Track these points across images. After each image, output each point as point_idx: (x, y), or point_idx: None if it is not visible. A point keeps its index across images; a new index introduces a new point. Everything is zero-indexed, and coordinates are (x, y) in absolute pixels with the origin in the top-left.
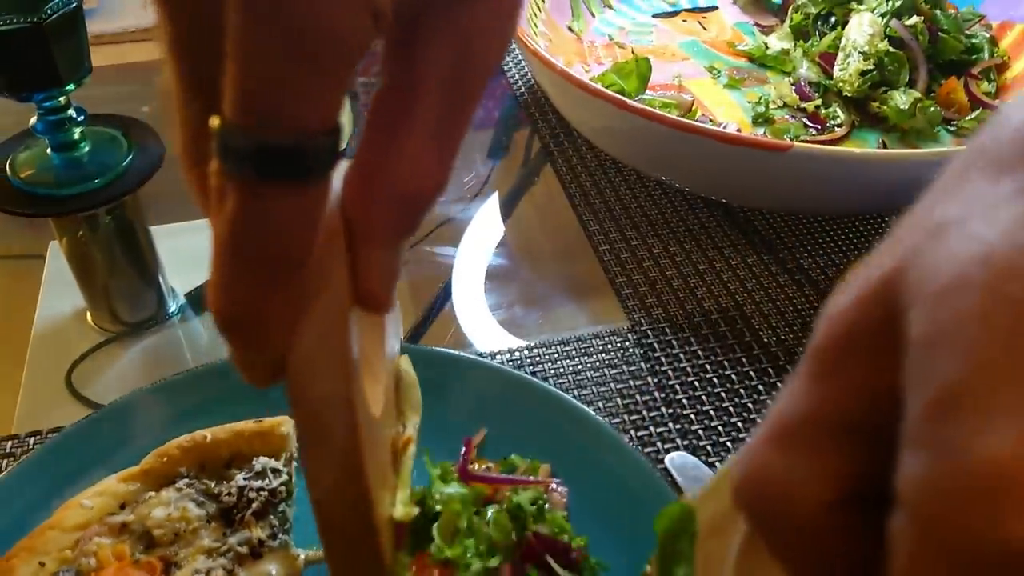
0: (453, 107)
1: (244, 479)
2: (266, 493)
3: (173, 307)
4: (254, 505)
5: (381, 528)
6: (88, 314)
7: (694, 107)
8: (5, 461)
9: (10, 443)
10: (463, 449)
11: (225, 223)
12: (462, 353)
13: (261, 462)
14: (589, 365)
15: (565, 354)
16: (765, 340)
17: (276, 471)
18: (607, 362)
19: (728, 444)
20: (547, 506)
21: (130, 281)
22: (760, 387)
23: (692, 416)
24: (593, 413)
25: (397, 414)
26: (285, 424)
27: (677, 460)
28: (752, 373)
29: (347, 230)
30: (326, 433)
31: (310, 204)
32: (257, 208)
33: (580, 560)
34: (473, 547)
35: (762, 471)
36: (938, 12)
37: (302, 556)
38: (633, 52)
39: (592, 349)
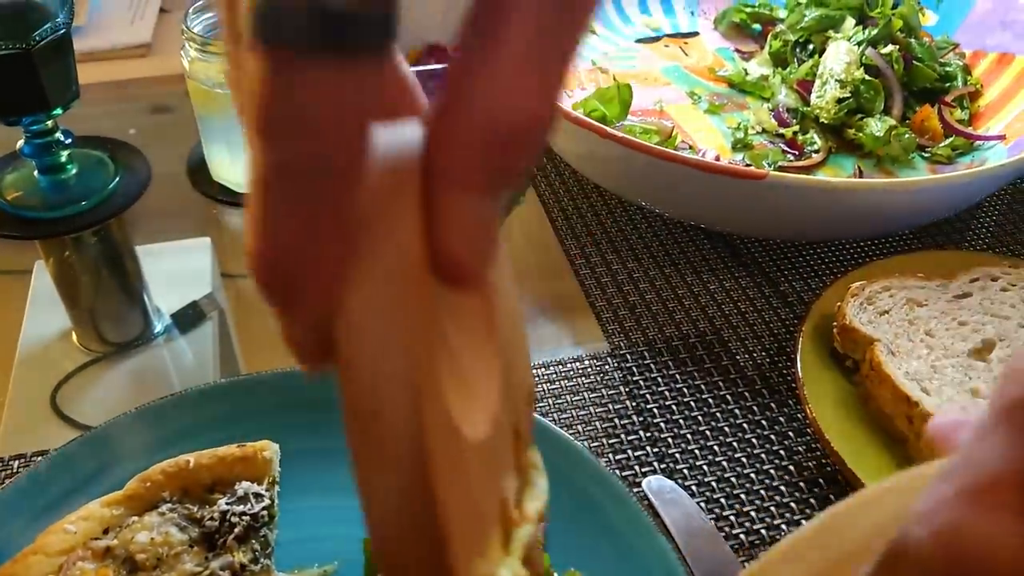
0: (556, 18)
1: (226, 504)
2: (248, 518)
3: (159, 327)
4: (236, 530)
5: None
6: (74, 334)
7: (674, 133)
8: None
9: None
10: None
11: (255, 111)
12: None
13: (243, 487)
14: (569, 389)
15: (546, 378)
16: (742, 364)
17: (258, 495)
18: (587, 386)
19: (704, 468)
20: None
21: (116, 301)
22: (736, 411)
23: (670, 440)
24: (571, 438)
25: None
26: (268, 449)
27: (654, 484)
28: (729, 397)
29: (426, 178)
30: (381, 425)
31: (357, 87)
32: (291, 84)
33: None
34: None
35: (958, 532)
36: (913, 41)
37: None
38: (615, 79)
39: (572, 373)
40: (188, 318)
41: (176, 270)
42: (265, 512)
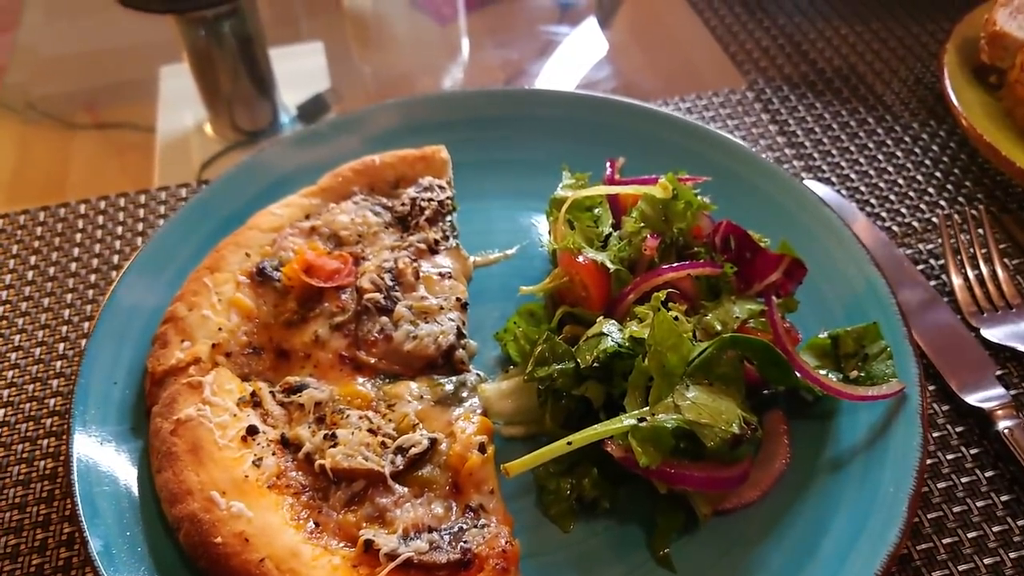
0: None
1: (414, 192)
2: (435, 203)
3: (286, 119)
4: (426, 212)
5: None
6: (208, 126)
7: None
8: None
9: (185, 190)
10: (608, 167)
11: None
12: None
13: (427, 180)
14: (708, 120)
15: (686, 112)
16: (879, 92)
17: (441, 187)
18: (725, 116)
19: (852, 176)
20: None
21: (249, 90)
22: (879, 131)
23: (822, 165)
24: (732, 138)
25: None
26: (443, 151)
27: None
28: (871, 119)
29: None
30: None
31: None
32: None
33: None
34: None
35: None
36: None
37: (472, 259)
38: None
39: (709, 106)
40: (313, 108)
41: (302, 70)
42: (448, 200)
